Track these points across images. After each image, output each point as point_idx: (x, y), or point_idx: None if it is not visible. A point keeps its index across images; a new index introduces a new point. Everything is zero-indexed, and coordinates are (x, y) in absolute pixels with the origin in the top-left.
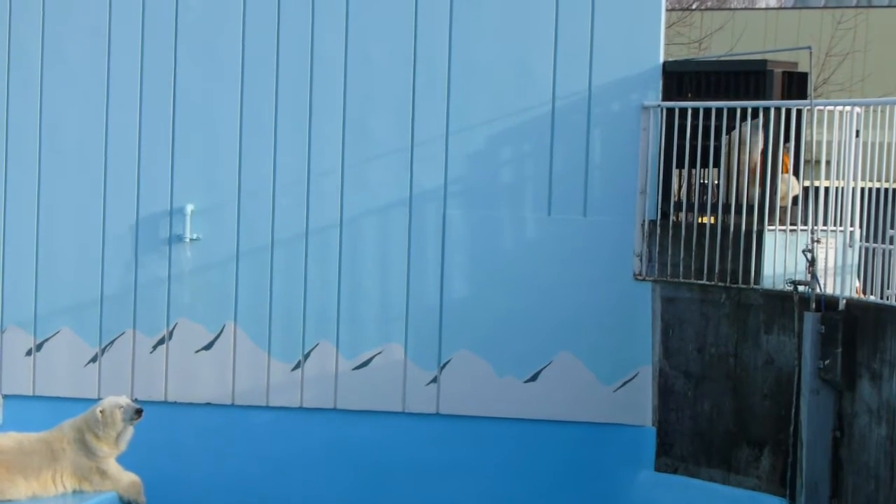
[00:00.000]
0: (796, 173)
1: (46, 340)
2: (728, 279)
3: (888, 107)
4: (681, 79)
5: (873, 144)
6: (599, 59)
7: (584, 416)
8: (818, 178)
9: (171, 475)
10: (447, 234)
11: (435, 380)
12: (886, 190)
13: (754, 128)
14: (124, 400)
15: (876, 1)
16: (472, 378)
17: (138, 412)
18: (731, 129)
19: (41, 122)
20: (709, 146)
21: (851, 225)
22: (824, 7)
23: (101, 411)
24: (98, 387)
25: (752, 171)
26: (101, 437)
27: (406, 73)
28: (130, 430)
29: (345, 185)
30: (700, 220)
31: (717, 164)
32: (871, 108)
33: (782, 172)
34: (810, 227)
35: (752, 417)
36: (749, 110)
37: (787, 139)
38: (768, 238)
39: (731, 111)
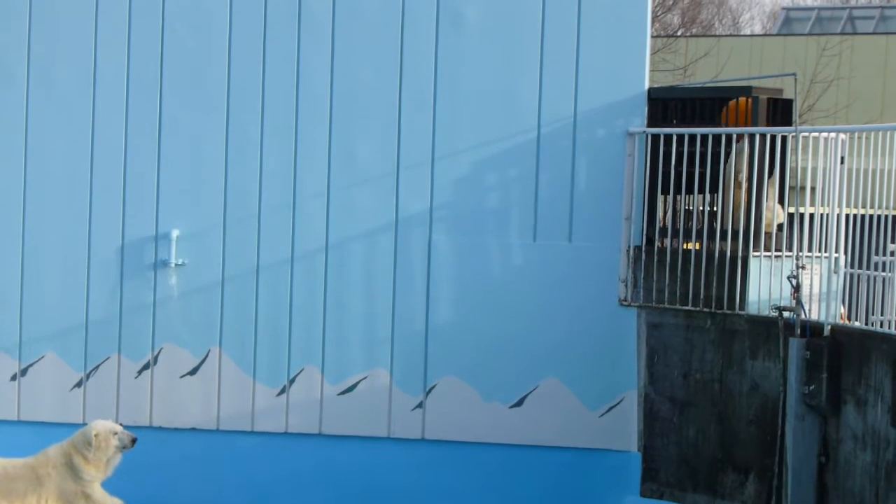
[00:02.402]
0: (781, 200)
1: (31, 365)
2: (713, 305)
3: (873, 133)
4: (666, 105)
5: (858, 171)
6: (585, 85)
7: (570, 442)
8: (803, 204)
9: (156, 500)
10: (433, 260)
11: (420, 405)
12: (871, 216)
13: (739, 151)
14: (118, 426)
15: (861, 28)
16: (458, 403)
17: (133, 441)
18: (716, 155)
19: (27, 146)
20: (694, 172)
21: (836, 251)
22: (809, 34)
23: (96, 435)
24: (83, 412)
25: (737, 196)
26: (90, 461)
27: (392, 98)
28: (120, 457)
29: (331, 209)
30: (685, 246)
31: (702, 191)
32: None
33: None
34: (795, 254)
35: (738, 443)
36: (734, 137)
37: (770, 172)
38: (753, 264)
39: (717, 137)
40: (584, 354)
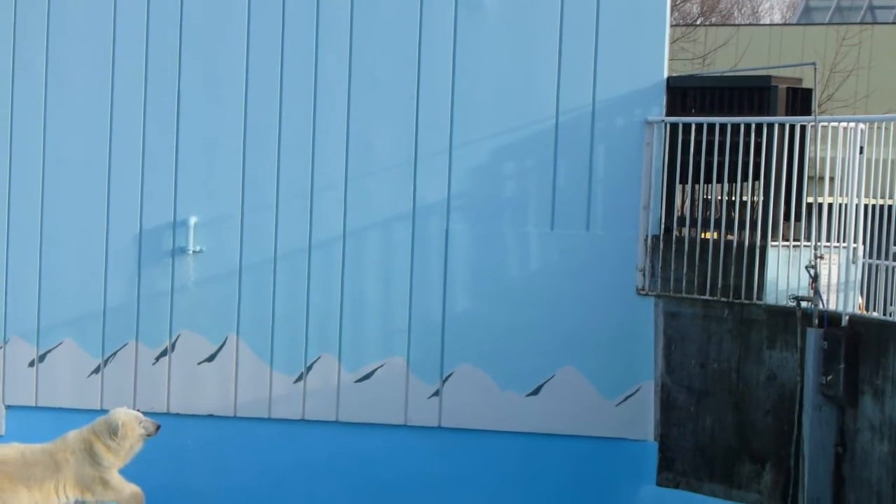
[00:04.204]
0: (799, 189)
1: (49, 351)
2: (731, 295)
3: (892, 123)
4: (685, 94)
5: (877, 161)
6: (603, 74)
7: (586, 431)
8: (822, 194)
9: (173, 487)
10: (450, 248)
11: (437, 393)
12: (890, 206)
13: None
14: (141, 414)
15: (881, 17)
16: (475, 392)
17: (157, 428)
18: (735, 144)
19: (45, 134)
20: (712, 161)
21: (855, 241)
22: (829, 23)
23: (123, 424)
24: (101, 398)
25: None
26: (111, 449)
27: (409, 87)
28: (142, 445)
29: (348, 198)
30: (703, 236)
31: (720, 180)
32: (876, 124)
33: None
34: (813, 244)
35: (754, 433)
36: (753, 127)
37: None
38: (771, 254)
39: (735, 126)
40: (601, 343)
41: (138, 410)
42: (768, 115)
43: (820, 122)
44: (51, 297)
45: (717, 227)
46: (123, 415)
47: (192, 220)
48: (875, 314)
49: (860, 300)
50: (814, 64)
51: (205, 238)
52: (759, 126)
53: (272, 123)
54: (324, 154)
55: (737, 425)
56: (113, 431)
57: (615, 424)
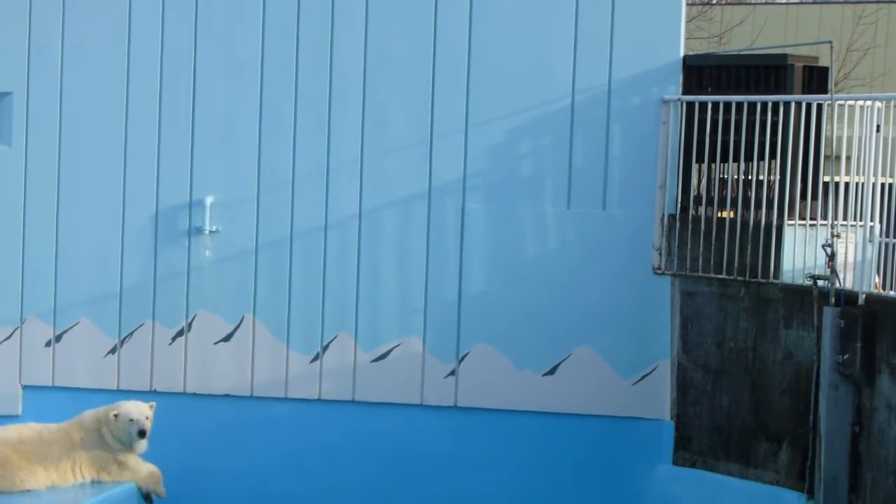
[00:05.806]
0: (816, 168)
1: (66, 331)
2: (747, 273)
3: None
4: (701, 73)
5: (894, 139)
6: (619, 52)
7: (603, 410)
8: (838, 173)
9: (189, 466)
10: (466, 228)
11: (453, 373)
12: None
13: None
14: (141, 413)
15: None
16: (491, 371)
17: (141, 433)
18: (751, 123)
19: (61, 113)
20: (729, 140)
21: (871, 220)
22: (845, 2)
23: (115, 415)
24: (117, 378)
25: None
26: (114, 434)
27: (425, 66)
28: (144, 445)
29: (364, 178)
30: (720, 215)
31: (737, 159)
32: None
33: None
34: (830, 222)
35: (771, 412)
36: (769, 105)
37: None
38: (788, 233)
39: (752, 105)
40: (618, 323)
41: (154, 391)
42: (785, 93)
43: (836, 100)
44: (67, 277)
45: (734, 206)
46: (123, 408)
47: (209, 200)
48: (892, 293)
49: (877, 279)
50: (830, 42)
51: (221, 218)
52: (775, 105)
53: (288, 103)
54: (340, 133)
55: (753, 404)
56: (109, 419)
57: (631, 404)
